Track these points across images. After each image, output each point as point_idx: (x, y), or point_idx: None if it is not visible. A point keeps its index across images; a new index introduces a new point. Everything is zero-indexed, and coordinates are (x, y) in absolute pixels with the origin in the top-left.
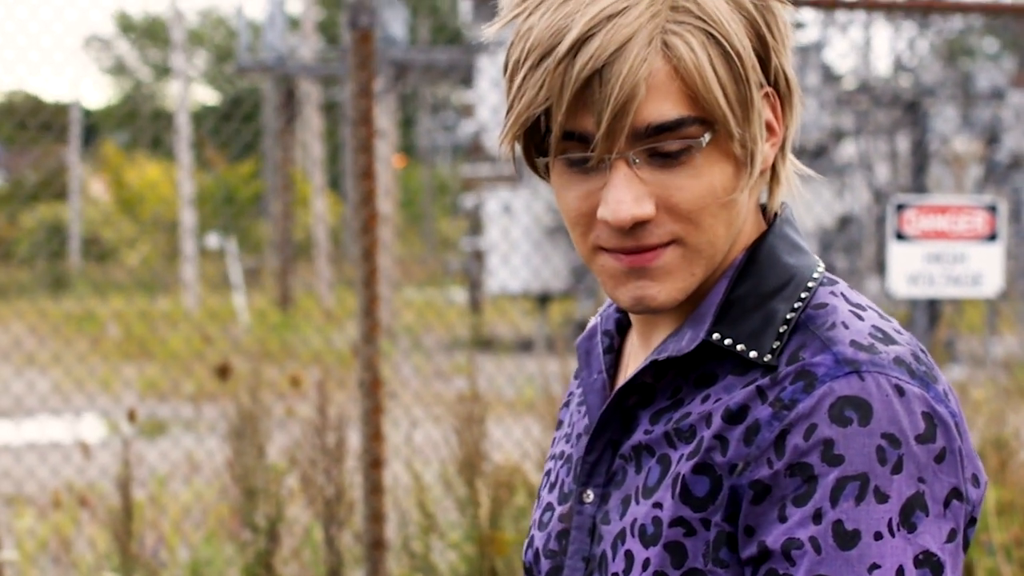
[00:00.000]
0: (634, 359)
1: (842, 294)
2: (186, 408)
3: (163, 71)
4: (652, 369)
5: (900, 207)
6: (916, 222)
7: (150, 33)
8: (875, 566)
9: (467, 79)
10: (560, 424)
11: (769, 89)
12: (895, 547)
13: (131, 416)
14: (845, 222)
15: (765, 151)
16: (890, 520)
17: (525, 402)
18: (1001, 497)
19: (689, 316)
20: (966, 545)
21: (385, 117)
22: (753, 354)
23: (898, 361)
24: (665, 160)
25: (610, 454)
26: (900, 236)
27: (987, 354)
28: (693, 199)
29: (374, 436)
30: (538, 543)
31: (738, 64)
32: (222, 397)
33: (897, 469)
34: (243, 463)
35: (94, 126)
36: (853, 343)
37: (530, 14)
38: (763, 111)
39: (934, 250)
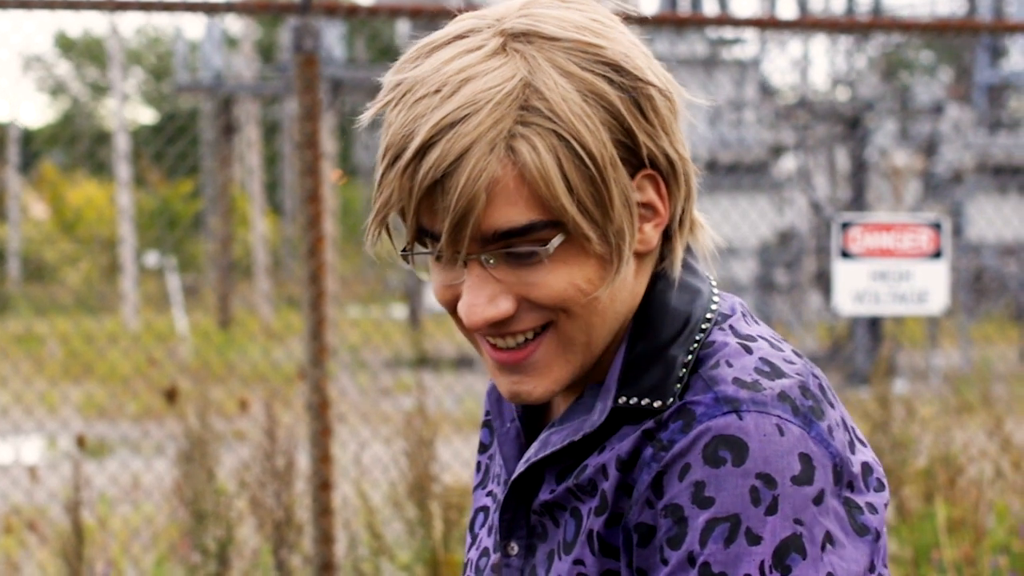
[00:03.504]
0: (557, 407)
1: (730, 327)
2: (131, 428)
3: (100, 90)
4: (569, 446)
5: (845, 225)
6: (861, 240)
7: (88, 52)
8: None
9: None
10: (484, 448)
11: (648, 172)
12: None
13: (80, 441)
14: (786, 237)
15: (646, 233)
16: (762, 563)
17: (471, 419)
18: (951, 514)
19: (601, 387)
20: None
21: (326, 136)
22: (657, 403)
23: (782, 397)
24: (519, 259)
25: (524, 510)
26: (845, 254)
27: (929, 368)
28: (552, 295)
29: (323, 458)
30: None
31: (591, 165)
32: (167, 417)
33: (772, 510)
34: (192, 486)
35: (32, 146)
36: (736, 380)
37: (394, 106)
38: (639, 196)
39: (879, 268)
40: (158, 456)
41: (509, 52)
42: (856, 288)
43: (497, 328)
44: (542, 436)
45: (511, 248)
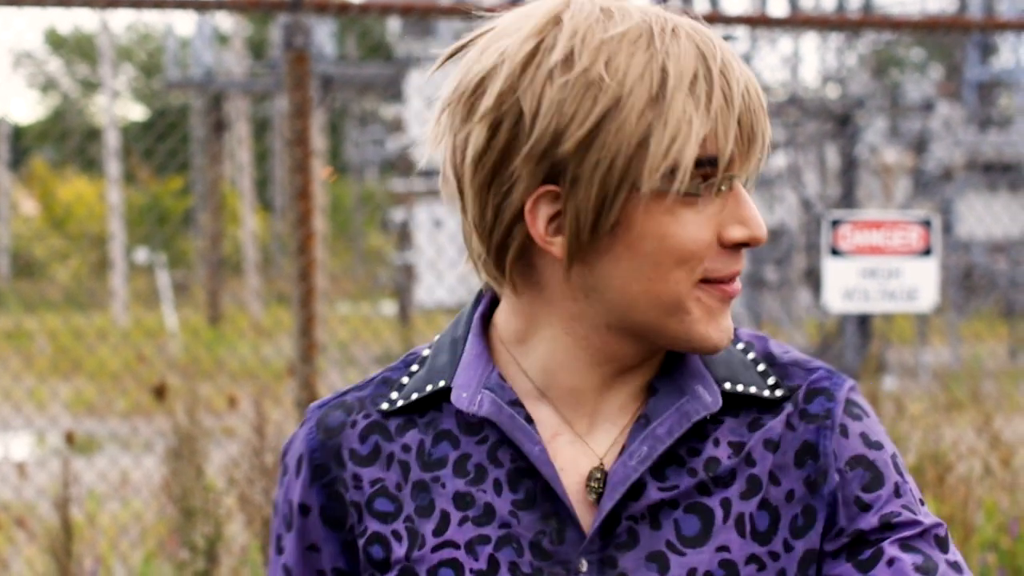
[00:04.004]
0: (579, 427)
1: (738, 327)
2: (121, 426)
3: (91, 86)
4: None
5: (835, 223)
6: (851, 237)
7: (78, 49)
8: (938, 523)
9: (396, 94)
10: (389, 515)
11: None
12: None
13: (69, 438)
14: (776, 234)
15: None
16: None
17: None
18: (940, 511)
19: (679, 372)
20: None
21: (316, 133)
22: (767, 393)
23: None
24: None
25: (606, 519)
26: (835, 251)
27: (918, 365)
28: None
29: None
30: None
31: None
32: (156, 414)
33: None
34: (181, 482)
35: (22, 142)
36: (804, 357)
37: (631, 55)
38: None
39: (869, 265)
40: (147, 453)
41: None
42: (846, 285)
43: (735, 259)
44: (640, 437)
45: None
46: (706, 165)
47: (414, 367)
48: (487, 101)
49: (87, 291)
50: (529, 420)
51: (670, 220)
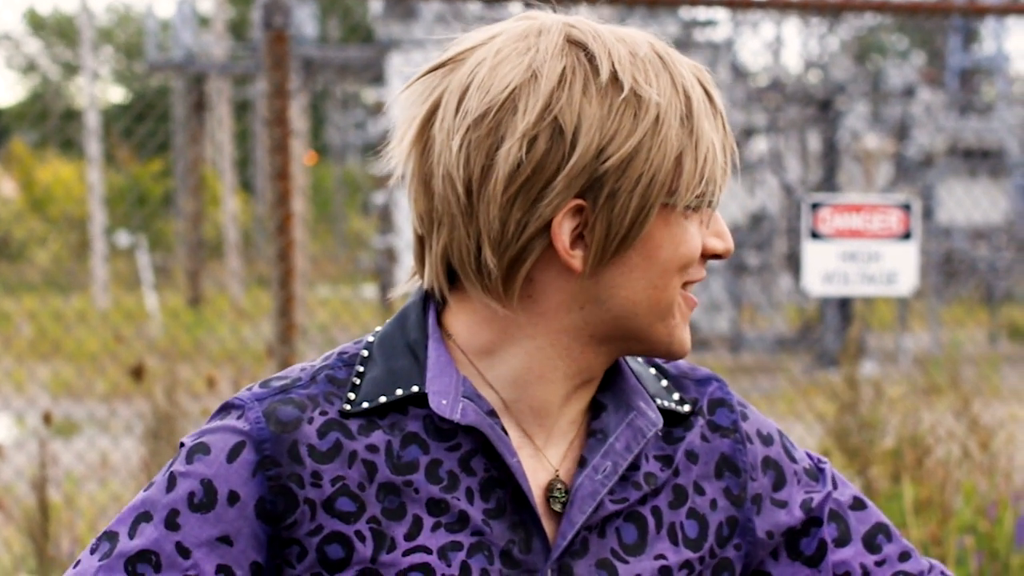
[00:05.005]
0: (539, 439)
1: None
2: (100, 408)
3: (71, 69)
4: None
5: (815, 206)
6: (831, 221)
7: (59, 31)
8: (822, 460)
9: (378, 77)
10: (351, 515)
11: None
12: None
13: (46, 418)
14: (757, 219)
15: None
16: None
17: None
18: (918, 495)
19: (625, 388)
20: None
21: (298, 116)
22: (677, 407)
23: None
24: None
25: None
26: (815, 235)
27: (899, 351)
28: None
29: None
30: None
31: None
32: (135, 396)
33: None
34: (159, 463)
35: (1, 124)
36: (691, 366)
37: (656, 77)
38: None
39: (849, 248)
40: (126, 435)
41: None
42: (825, 269)
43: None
44: (601, 452)
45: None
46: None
47: (359, 367)
48: (527, 117)
49: (67, 273)
50: (505, 432)
51: (681, 231)
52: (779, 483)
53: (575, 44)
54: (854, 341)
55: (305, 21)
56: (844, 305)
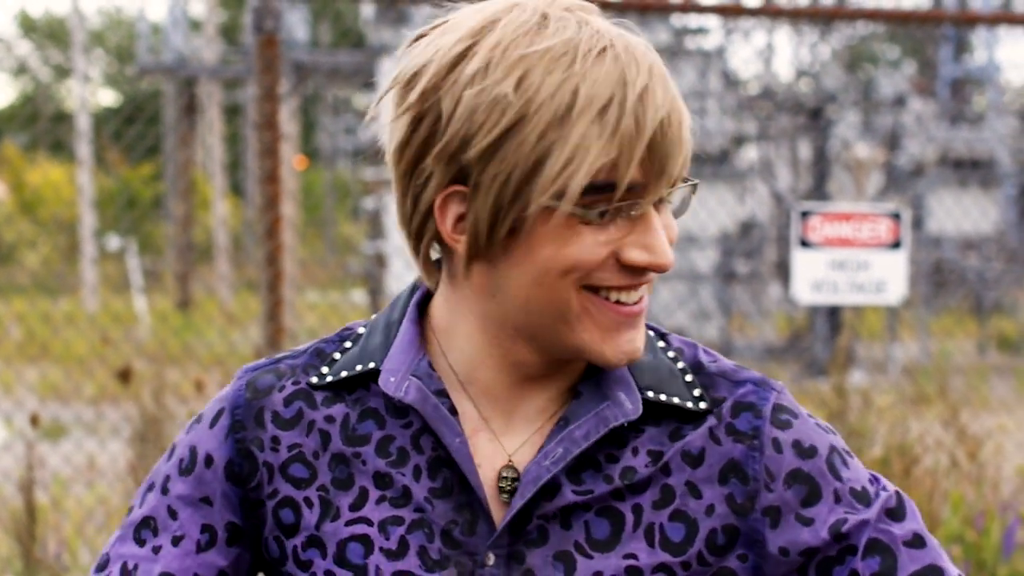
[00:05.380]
0: (492, 423)
1: (668, 334)
2: (87, 411)
3: (63, 72)
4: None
5: (804, 214)
6: (820, 229)
7: (50, 33)
8: (885, 486)
9: (369, 82)
10: (303, 482)
11: None
12: (871, 473)
13: (34, 421)
14: (747, 228)
15: None
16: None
17: None
18: None
19: (606, 378)
20: None
21: (288, 120)
22: (690, 404)
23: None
24: (661, 202)
25: (513, 516)
26: (804, 243)
27: (888, 360)
28: (676, 233)
29: None
30: None
31: None
32: (124, 400)
33: (829, 431)
34: (146, 466)
35: None
36: (736, 367)
37: (548, 72)
38: None
39: (838, 257)
40: (113, 437)
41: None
42: (814, 277)
43: (642, 277)
44: (557, 438)
45: (676, 189)
46: (604, 190)
47: (348, 343)
48: (413, 96)
49: (56, 276)
50: (453, 412)
51: (569, 234)
52: (810, 499)
53: (489, 29)
54: (843, 350)
55: (296, 25)
56: (833, 314)
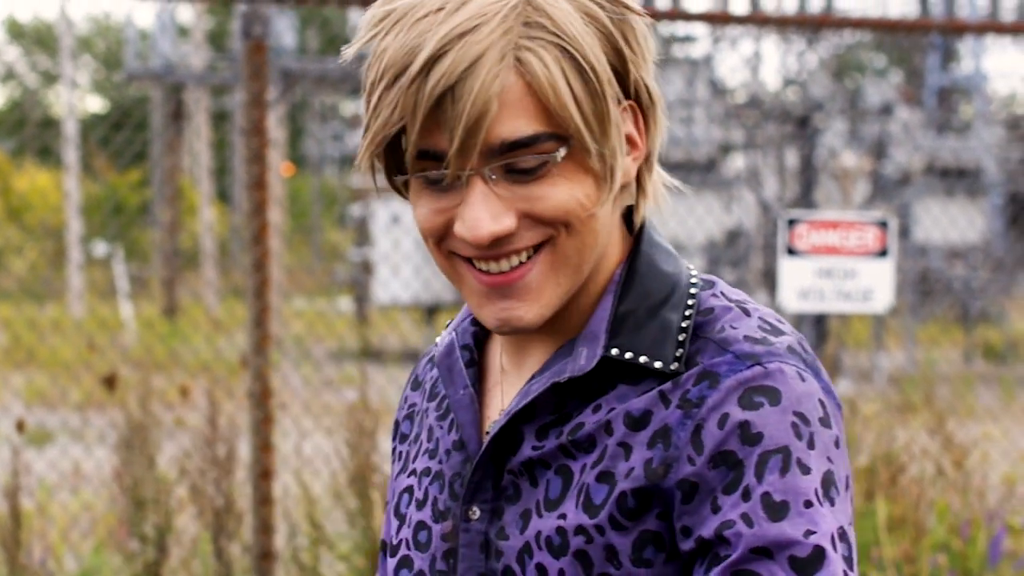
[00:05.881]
0: (507, 378)
1: (723, 294)
2: (73, 417)
3: (50, 78)
4: (552, 390)
5: (791, 222)
6: (807, 237)
7: (38, 39)
8: (810, 532)
9: (356, 88)
10: (405, 437)
11: (630, 103)
12: (824, 515)
13: (20, 427)
14: (734, 236)
15: (626, 165)
16: (816, 490)
17: None
18: (892, 512)
19: (579, 335)
20: None
21: (275, 126)
22: (658, 364)
23: (791, 350)
24: (522, 175)
25: (494, 470)
26: (791, 251)
27: (874, 369)
28: (555, 207)
29: (264, 447)
30: (421, 565)
31: (593, 79)
32: (110, 406)
33: (811, 445)
34: (132, 473)
35: None
36: (747, 339)
37: (385, 35)
38: (623, 125)
39: (825, 265)
40: (99, 444)
41: None
42: (801, 285)
43: (495, 248)
44: (523, 388)
45: (515, 160)
46: (429, 157)
47: None
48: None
49: (43, 282)
50: (472, 364)
51: (416, 199)
52: (730, 487)
53: None
54: (829, 358)
55: (284, 32)
56: (819, 323)
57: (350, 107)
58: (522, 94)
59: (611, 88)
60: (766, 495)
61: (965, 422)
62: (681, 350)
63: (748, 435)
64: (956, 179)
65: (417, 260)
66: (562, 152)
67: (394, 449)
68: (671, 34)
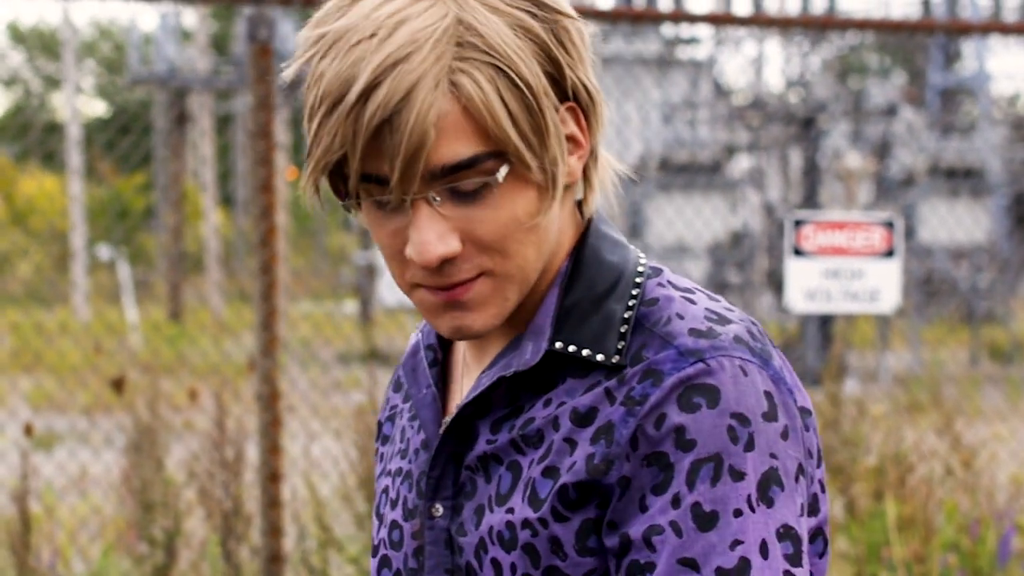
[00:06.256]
0: (468, 372)
1: (669, 283)
2: (80, 420)
3: (53, 82)
4: (500, 384)
5: (798, 223)
6: (814, 238)
7: (42, 44)
8: (737, 542)
9: None
10: (386, 439)
11: (569, 105)
12: (756, 522)
13: (28, 431)
14: (738, 237)
15: (571, 165)
16: (749, 496)
17: None
18: (901, 512)
19: (527, 328)
20: (817, 518)
21: (281, 130)
22: (600, 357)
23: (737, 340)
24: (464, 196)
25: (453, 467)
26: (798, 252)
27: (880, 369)
28: (496, 230)
29: (272, 449)
30: (398, 563)
31: (528, 94)
32: (117, 409)
33: (750, 447)
34: (141, 476)
35: None
36: (691, 331)
37: (322, 57)
38: (563, 129)
39: (832, 266)
40: (107, 447)
41: None
42: (808, 286)
43: (440, 272)
44: (474, 384)
45: (458, 183)
46: (373, 181)
47: None
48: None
49: (49, 285)
50: (435, 363)
51: (370, 222)
52: (659, 488)
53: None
54: (836, 359)
55: (288, 36)
56: (825, 323)
57: None
58: (459, 118)
59: (547, 99)
60: (696, 505)
61: (972, 422)
62: (623, 342)
63: (682, 440)
64: (960, 179)
65: None
66: (503, 171)
67: (376, 450)
68: (675, 36)
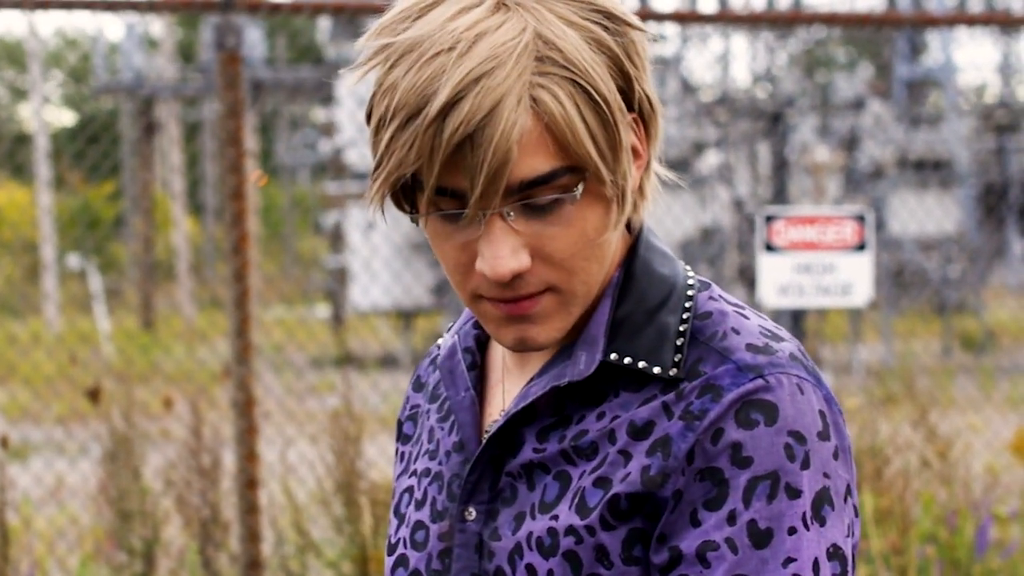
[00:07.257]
0: (509, 377)
1: (720, 297)
2: (56, 431)
3: (20, 93)
4: (552, 394)
5: (769, 218)
6: (785, 233)
7: (8, 55)
8: (790, 560)
9: (327, 97)
10: (408, 438)
11: (633, 116)
12: (809, 540)
13: (3, 442)
14: (708, 233)
15: (634, 176)
16: (804, 515)
17: (395, 417)
18: (878, 505)
19: (577, 339)
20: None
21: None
22: (657, 369)
23: (793, 357)
24: (537, 211)
25: (491, 472)
26: (769, 247)
27: (853, 362)
28: (566, 247)
29: (249, 456)
30: (417, 563)
31: (605, 110)
32: (92, 419)
33: (806, 465)
34: (118, 485)
35: None
36: (749, 347)
37: (392, 66)
38: (629, 142)
39: (803, 260)
40: (83, 457)
41: (510, 6)
42: (780, 281)
43: (509, 286)
44: (522, 391)
45: (533, 198)
46: (447, 195)
47: None
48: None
49: (19, 296)
50: (474, 367)
51: (435, 235)
52: (712, 504)
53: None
54: (810, 353)
55: (255, 43)
56: (798, 318)
57: (321, 115)
58: (540, 134)
59: (621, 114)
60: (752, 522)
61: (946, 413)
62: (679, 355)
63: (738, 457)
64: (929, 171)
65: (396, 266)
66: (580, 188)
67: (397, 449)
68: None
